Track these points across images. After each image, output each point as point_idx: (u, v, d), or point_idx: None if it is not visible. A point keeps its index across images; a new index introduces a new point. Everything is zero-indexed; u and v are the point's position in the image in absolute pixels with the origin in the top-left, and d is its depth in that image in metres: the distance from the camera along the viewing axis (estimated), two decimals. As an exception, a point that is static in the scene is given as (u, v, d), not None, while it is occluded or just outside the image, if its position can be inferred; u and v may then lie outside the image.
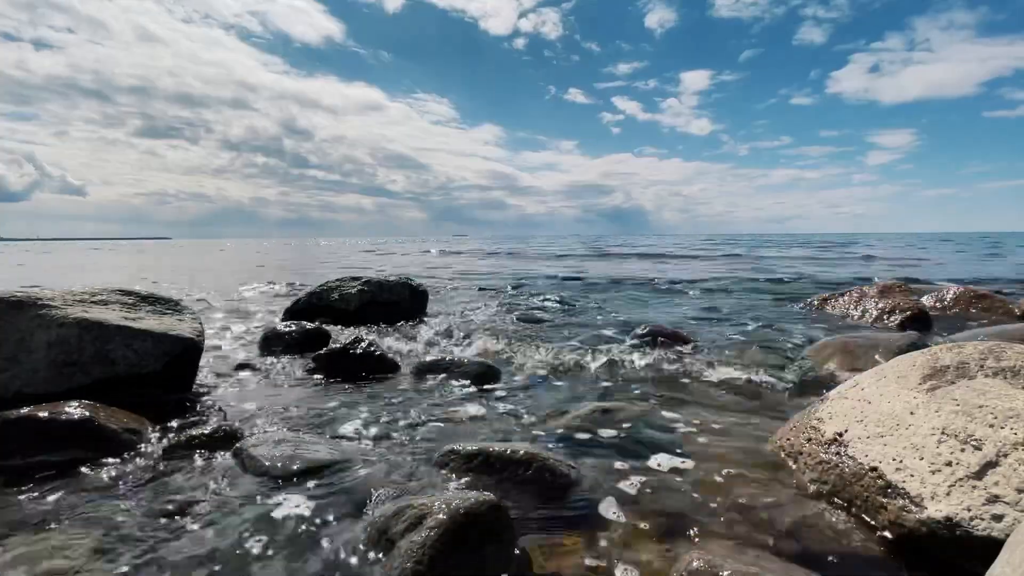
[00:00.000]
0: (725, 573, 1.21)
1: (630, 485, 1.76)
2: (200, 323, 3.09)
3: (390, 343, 4.00)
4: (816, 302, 5.62)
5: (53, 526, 1.51)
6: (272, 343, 3.92)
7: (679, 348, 3.75)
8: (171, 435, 2.15)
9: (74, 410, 2.06)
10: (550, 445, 2.04)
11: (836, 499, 1.65)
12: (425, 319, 5.19)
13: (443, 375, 3.06)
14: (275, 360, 3.49)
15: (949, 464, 1.46)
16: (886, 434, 1.67)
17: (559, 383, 2.95)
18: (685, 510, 1.60)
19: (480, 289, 8.01)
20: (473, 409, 2.51)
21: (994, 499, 1.33)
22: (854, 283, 7.15)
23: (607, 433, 2.18)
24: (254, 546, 1.41)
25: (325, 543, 1.43)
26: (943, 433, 1.53)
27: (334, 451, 1.99)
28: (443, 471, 1.82)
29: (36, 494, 1.68)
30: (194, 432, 2.15)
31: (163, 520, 1.53)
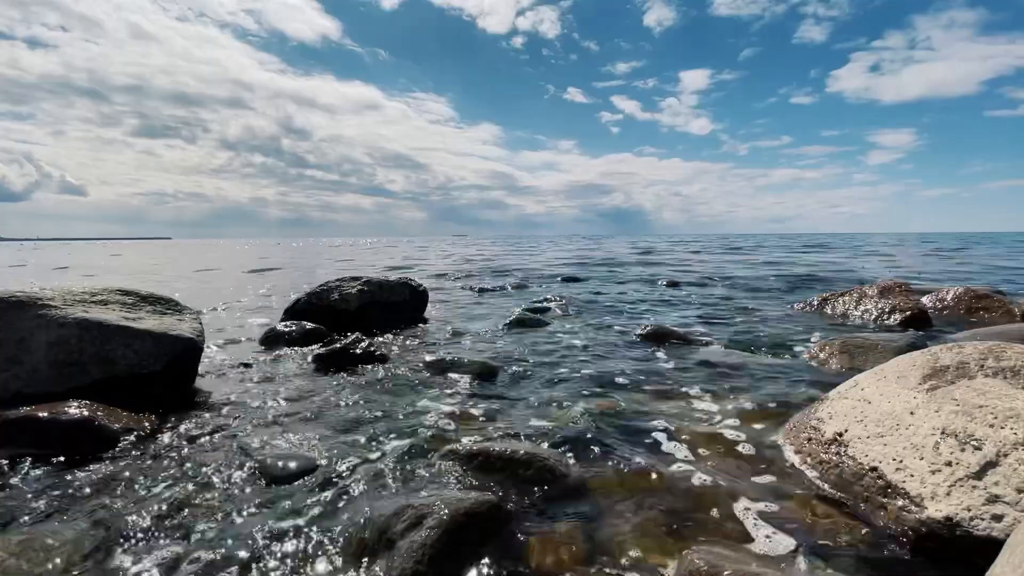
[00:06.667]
0: (725, 573, 1.21)
1: (630, 484, 1.76)
2: (200, 323, 3.09)
3: (390, 343, 4.00)
4: (816, 302, 5.62)
5: (54, 525, 1.51)
6: (272, 343, 3.93)
7: (679, 347, 3.76)
8: (171, 435, 2.15)
9: (74, 410, 2.06)
10: (550, 444, 2.04)
11: (836, 499, 1.65)
12: (425, 319, 5.20)
13: (443, 374, 3.06)
14: (275, 360, 3.48)
15: (949, 464, 1.46)
16: (886, 434, 1.67)
17: (558, 382, 2.95)
18: (685, 509, 1.60)
19: (480, 290, 8.00)
20: (473, 408, 2.50)
21: (994, 499, 1.33)
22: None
23: (607, 432, 2.18)
24: (254, 545, 1.41)
25: (325, 542, 1.43)
26: (943, 433, 1.53)
27: (333, 450, 1.99)
28: (443, 471, 1.82)
29: (37, 493, 1.68)
30: (194, 432, 2.16)
31: (163, 519, 1.53)
